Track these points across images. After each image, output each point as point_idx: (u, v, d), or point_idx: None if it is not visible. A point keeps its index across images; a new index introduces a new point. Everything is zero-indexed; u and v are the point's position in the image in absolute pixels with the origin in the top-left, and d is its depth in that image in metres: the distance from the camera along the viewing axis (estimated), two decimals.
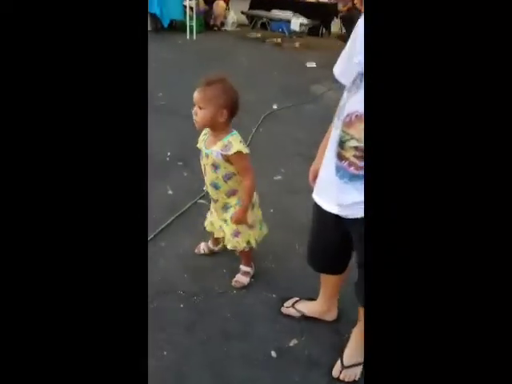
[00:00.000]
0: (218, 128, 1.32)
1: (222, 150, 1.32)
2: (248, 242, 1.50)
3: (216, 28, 7.32)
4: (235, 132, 1.36)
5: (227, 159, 1.33)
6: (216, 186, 1.42)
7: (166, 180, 2.30)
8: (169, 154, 2.64)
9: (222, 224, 1.53)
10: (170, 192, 2.20)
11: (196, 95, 1.28)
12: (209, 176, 1.41)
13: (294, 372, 1.26)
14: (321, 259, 1.23)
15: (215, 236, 1.64)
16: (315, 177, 1.13)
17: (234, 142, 1.31)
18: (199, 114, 1.28)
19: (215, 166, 1.37)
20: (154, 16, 6.43)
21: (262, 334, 1.39)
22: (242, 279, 1.61)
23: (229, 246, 1.53)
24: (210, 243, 1.74)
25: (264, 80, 4.54)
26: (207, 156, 1.38)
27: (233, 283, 1.59)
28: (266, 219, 2.11)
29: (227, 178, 1.38)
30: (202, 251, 1.76)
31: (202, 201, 2.13)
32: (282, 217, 2.07)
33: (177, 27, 6.77)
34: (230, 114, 1.30)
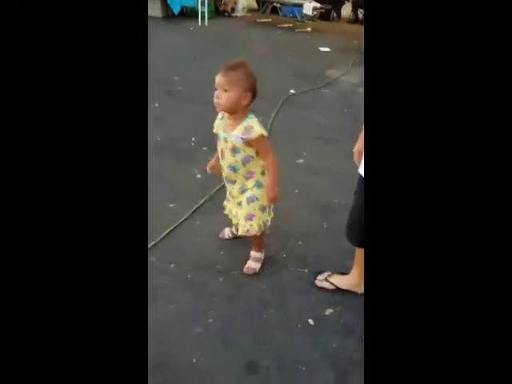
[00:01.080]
0: (239, 111, 1.35)
1: (244, 134, 1.34)
2: (260, 226, 1.51)
3: (226, 14, 7.29)
4: (253, 115, 1.39)
5: (248, 142, 1.36)
6: (234, 169, 1.44)
7: (193, 164, 2.38)
8: (193, 139, 2.71)
9: (236, 209, 1.55)
10: (199, 176, 2.29)
11: (219, 79, 1.31)
12: (227, 159, 1.43)
13: (332, 338, 1.36)
14: (361, 233, 1.31)
15: (233, 222, 1.65)
16: (360, 155, 1.28)
17: (255, 126, 1.34)
18: (224, 97, 1.31)
19: (234, 150, 1.39)
20: (165, 3, 6.43)
21: (298, 305, 1.48)
22: (253, 265, 1.62)
23: (240, 232, 1.53)
24: (233, 229, 1.76)
25: (279, 65, 4.57)
26: (226, 140, 1.40)
27: (244, 270, 1.60)
28: (291, 200, 2.18)
29: (246, 161, 1.41)
30: (227, 236, 1.79)
31: None
32: (307, 197, 2.15)
33: (188, 14, 6.76)
34: (251, 97, 1.34)
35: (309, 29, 6.61)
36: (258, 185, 1.47)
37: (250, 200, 1.48)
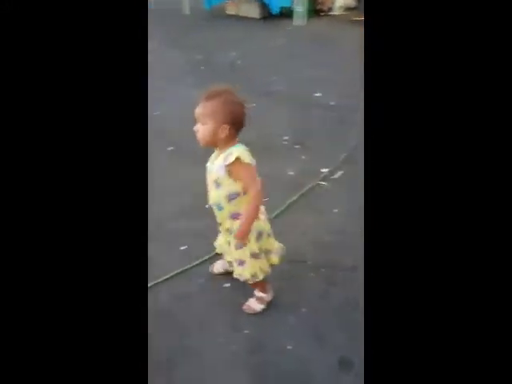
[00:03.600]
0: (221, 144, 1.25)
1: (224, 161, 1.23)
2: (254, 275, 1.34)
3: (323, 13, 7.25)
4: (241, 145, 1.27)
5: (230, 172, 1.23)
6: (219, 207, 1.30)
7: (285, 162, 2.46)
8: (286, 138, 2.79)
9: (227, 248, 1.40)
10: (291, 173, 2.36)
11: (196, 111, 1.23)
12: (211, 195, 1.31)
13: None
14: None
15: (226, 259, 1.50)
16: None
17: (235, 151, 1.22)
18: (200, 130, 1.24)
19: (217, 183, 1.27)
20: (262, 4, 6.63)
21: None
22: (253, 305, 1.44)
23: (234, 274, 1.39)
24: (226, 263, 1.53)
25: None
26: (210, 172, 1.30)
27: (243, 307, 1.45)
28: None
29: (231, 198, 1.27)
30: (216, 271, 1.59)
31: (323, 183, 2.25)
32: None
33: (285, 14, 6.88)
34: (232, 130, 1.23)
35: None
36: None
37: (239, 246, 1.32)
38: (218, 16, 5.75)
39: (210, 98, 1.22)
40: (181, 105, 3.41)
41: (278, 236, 1.85)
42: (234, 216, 1.30)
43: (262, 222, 1.35)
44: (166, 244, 1.80)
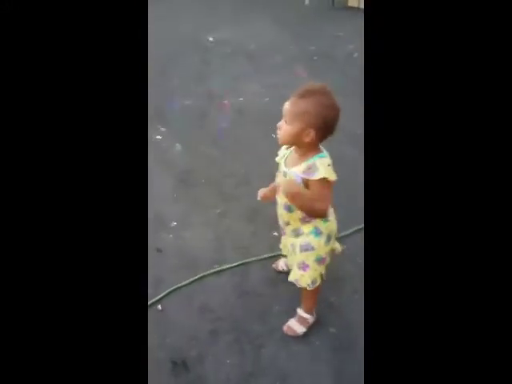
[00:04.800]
0: (304, 148, 1.13)
1: (305, 172, 1.11)
2: (314, 280, 1.25)
3: None
4: (325, 154, 1.14)
5: (306, 184, 1.12)
6: (290, 209, 1.21)
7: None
8: None
9: (289, 250, 1.31)
10: None
11: (285, 106, 1.12)
12: (283, 197, 1.19)
13: None
14: None
15: (288, 261, 1.42)
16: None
17: (321, 166, 1.09)
18: (283, 129, 1.12)
19: None
20: None
21: None
22: (295, 327, 1.34)
23: (290, 278, 1.29)
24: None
25: None
26: (285, 175, 1.19)
27: (284, 328, 1.36)
28: None
29: None
30: (281, 269, 1.55)
31: None
32: None
33: None
34: (319, 135, 1.09)
35: None
36: (317, 232, 1.21)
37: (304, 248, 1.23)
38: (340, 8, 5.60)
39: (303, 96, 1.09)
40: (291, 93, 3.47)
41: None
42: (305, 220, 1.21)
43: (333, 224, 1.26)
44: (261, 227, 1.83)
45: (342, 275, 1.54)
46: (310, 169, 1.10)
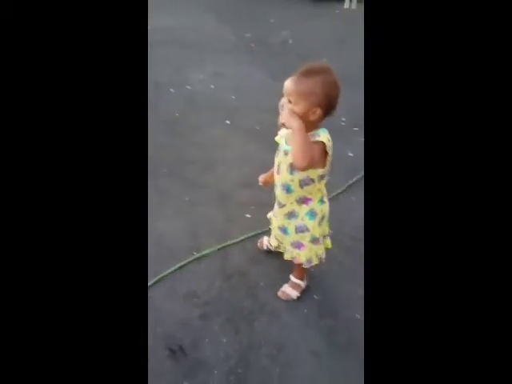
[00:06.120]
0: (307, 127, 1.10)
1: None
2: (309, 259, 1.31)
3: None
4: (325, 129, 1.16)
5: None
6: (288, 189, 1.23)
7: (345, 143, 2.47)
8: (343, 119, 2.79)
9: (279, 233, 1.36)
10: (351, 154, 2.38)
11: (288, 85, 1.10)
12: (283, 176, 1.22)
13: None
14: None
15: (271, 242, 1.50)
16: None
17: (323, 136, 1.12)
18: (287, 109, 1.10)
19: (293, 167, 1.17)
20: None
21: None
22: (289, 291, 1.44)
23: (286, 256, 1.36)
24: (271, 239, 1.50)
25: None
26: (286, 153, 1.20)
27: (278, 293, 1.44)
28: None
29: (304, 183, 1.20)
30: (265, 247, 1.61)
31: None
32: None
33: None
34: (324, 113, 1.11)
35: None
36: (312, 214, 1.25)
37: (300, 230, 1.27)
38: None
39: (308, 74, 1.08)
40: (235, 79, 3.51)
41: (343, 214, 1.90)
42: (302, 200, 1.24)
43: (327, 207, 1.30)
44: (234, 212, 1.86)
45: None
46: (313, 136, 1.13)
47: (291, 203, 1.26)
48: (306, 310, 1.42)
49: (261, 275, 1.54)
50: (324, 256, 1.37)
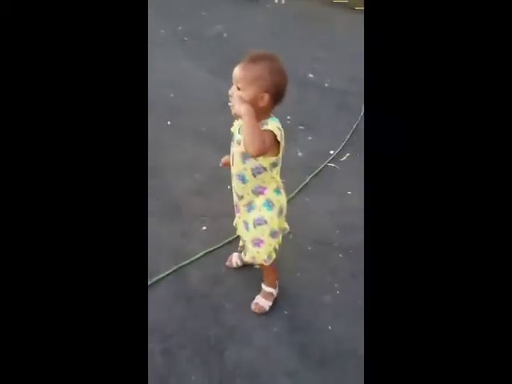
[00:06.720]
0: (257, 115, 1.10)
1: None
2: (269, 254, 1.29)
3: None
4: (276, 118, 1.17)
5: None
6: (243, 179, 1.23)
7: (292, 143, 2.42)
8: (288, 117, 2.75)
9: (243, 229, 1.33)
10: (300, 154, 2.34)
11: (236, 72, 1.10)
12: (236, 166, 1.23)
13: None
14: None
15: (241, 243, 1.45)
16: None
17: (271, 124, 1.13)
18: (236, 96, 1.10)
19: (245, 156, 1.18)
20: None
21: None
22: (262, 302, 1.39)
23: (247, 258, 1.34)
24: (243, 254, 1.43)
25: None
26: (239, 143, 1.19)
27: (252, 307, 1.39)
28: None
29: (256, 171, 1.20)
30: (235, 265, 1.53)
31: (331, 164, 2.25)
32: None
33: None
34: (272, 100, 1.12)
35: None
36: (269, 205, 1.24)
37: (258, 223, 1.26)
38: None
39: (255, 60, 1.09)
40: (171, 75, 3.29)
41: (300, 217, 1.85)
42: (258, 191, 1.24)
43: (284, 199, 1.30)
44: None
45: (282, 256, 1.57)
46: (262, 125, 1.12)
47: (248, 194, 1.26)
48: (276, 329, 1.34)
49: (224, 296, 1.43)
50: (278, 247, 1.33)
